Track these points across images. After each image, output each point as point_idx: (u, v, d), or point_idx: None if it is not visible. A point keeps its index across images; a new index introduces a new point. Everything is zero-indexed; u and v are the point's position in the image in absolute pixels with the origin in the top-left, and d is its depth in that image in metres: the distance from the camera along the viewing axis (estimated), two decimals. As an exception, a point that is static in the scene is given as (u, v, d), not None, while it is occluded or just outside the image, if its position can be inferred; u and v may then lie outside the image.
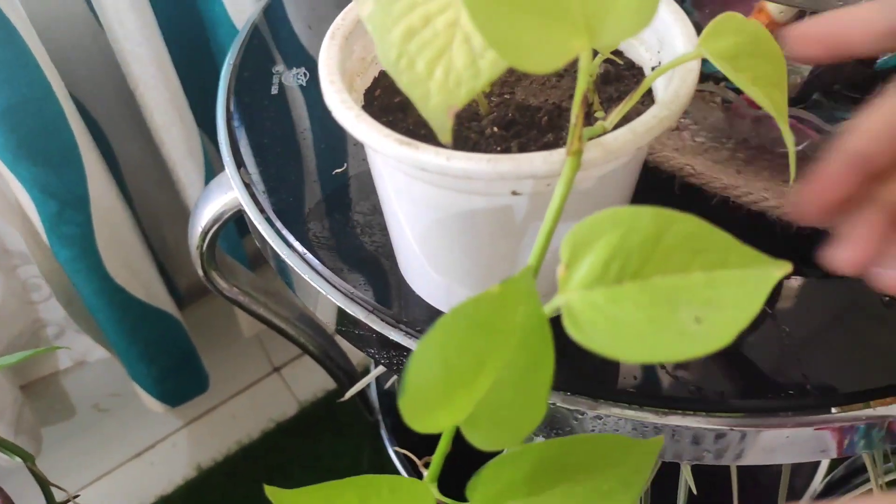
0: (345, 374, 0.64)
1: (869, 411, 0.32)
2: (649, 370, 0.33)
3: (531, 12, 0.19)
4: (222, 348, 1.02)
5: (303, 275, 0.38)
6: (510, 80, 0.33)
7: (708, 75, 0.42)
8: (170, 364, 0.79)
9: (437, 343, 0.19)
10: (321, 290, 0.37)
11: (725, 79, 0.42)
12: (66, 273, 0.65)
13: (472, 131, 0.30)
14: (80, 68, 0.66)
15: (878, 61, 0.41)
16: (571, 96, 0.32)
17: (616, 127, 0.25)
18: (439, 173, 0.25)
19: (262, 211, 0.42)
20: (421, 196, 0.28)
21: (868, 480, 0.62)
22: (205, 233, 0.47)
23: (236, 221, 0.85)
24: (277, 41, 0.51)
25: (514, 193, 0.26)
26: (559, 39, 0.19)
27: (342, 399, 0.55)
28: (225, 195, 0.45)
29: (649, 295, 0.18)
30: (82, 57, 0.66)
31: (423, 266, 0.33)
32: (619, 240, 0.18)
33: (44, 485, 0.41)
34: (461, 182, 0.26)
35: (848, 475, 0.64)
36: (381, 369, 0.55)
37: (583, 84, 0.20)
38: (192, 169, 0.68)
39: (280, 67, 0.49)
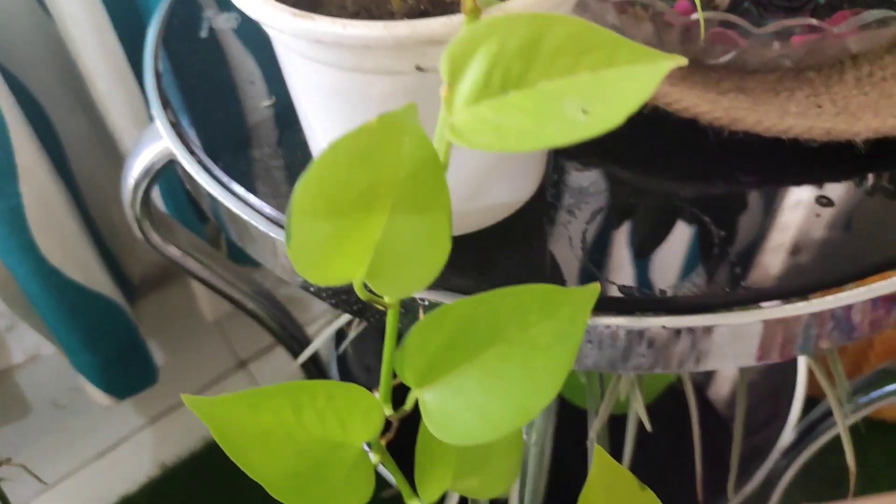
0: (298, 344, 0.62)
1: (805, 304, 0.31)
2: (582, 274, 0.32)
3: None
4: (185, 343, 1.00)
5: (230, 207, 0.37)
6: (428, -14, 0.33)
7: (639, -4, 0.41)
8: (115, 354, 0.76)
9: (316, 179, 0.18)
10: (248, 219, 0.36)
11: (656, -4, 0.41)
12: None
13: (384, 25, 0.29)
14: (17, 42, 0.65)
15: (808, -25, 0.40)
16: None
17: None
18: (336, 44, 0.24)
19: (192, 153, 0.41)
20: (324, 84, 0.27)
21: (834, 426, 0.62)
22: (136, 185, 0.46)
23: (197, 210, 0.83)
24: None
25: (420, 69, 0.25)
26: None
27: (296, 362, 0.54)
28: (155, 144, 0.44)
29: (535, 100, 0.17)
30: (18, 29, 0.64)
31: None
32: (498, 48, 0.17)
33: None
34: (361, 57, 0.25)
35: (815, 422, 0.63)
36: (333, 328, 0.53)
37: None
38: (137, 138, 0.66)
39: (210, 13, 0.48)
